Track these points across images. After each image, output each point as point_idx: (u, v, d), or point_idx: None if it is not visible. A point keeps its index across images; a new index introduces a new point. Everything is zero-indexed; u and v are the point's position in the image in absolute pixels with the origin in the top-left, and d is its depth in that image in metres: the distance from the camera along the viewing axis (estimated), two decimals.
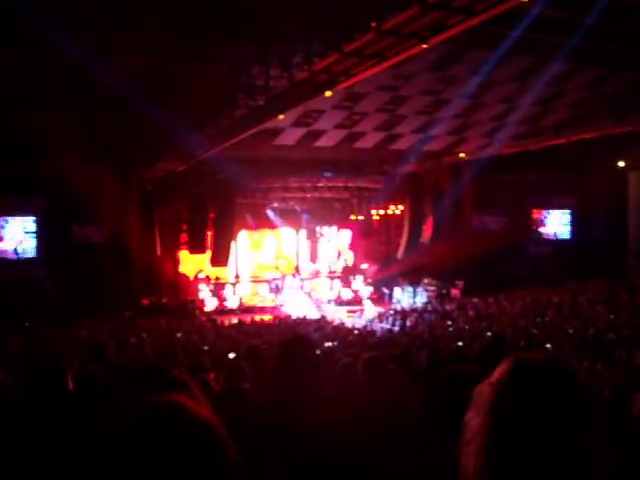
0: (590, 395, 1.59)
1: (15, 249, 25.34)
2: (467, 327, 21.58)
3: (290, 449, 2.68)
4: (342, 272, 35.15)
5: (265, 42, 15.50)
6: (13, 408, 3.05)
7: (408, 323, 24.46)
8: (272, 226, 33.77)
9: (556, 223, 34.23)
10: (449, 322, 23.35)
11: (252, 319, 26.63)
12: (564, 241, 33.93)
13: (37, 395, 3.06)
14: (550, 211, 34.14)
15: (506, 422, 1.52)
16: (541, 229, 34.15)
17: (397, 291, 32.77)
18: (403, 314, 27.20)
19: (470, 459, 1.56)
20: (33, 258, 25.56)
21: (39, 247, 25.62)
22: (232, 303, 30.68)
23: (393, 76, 18.06)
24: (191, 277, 30.18)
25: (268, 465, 2.56)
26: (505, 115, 23.02)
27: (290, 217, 33.98)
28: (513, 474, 1.50)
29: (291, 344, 3.41)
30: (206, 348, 15.98)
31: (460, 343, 15.84)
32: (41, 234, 25.59)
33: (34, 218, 25.52)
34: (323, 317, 27.51)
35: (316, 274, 34.73)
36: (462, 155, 27.99)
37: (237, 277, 32.15)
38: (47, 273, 25.30)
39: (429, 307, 28.59)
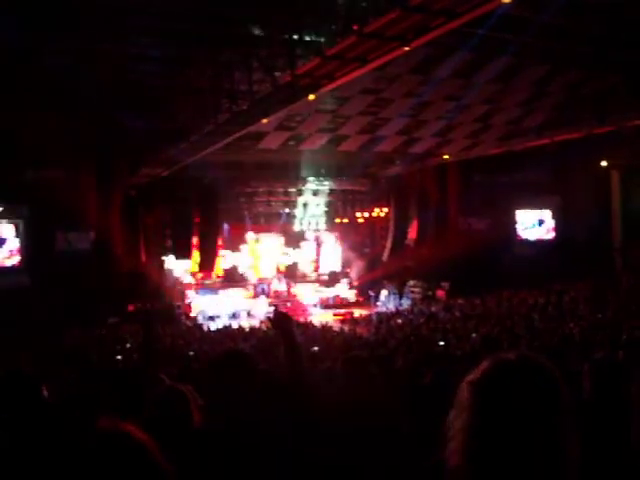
0: (566, 392, 1.60)
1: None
2: (453, 328, 21.63)
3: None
4: (328, 275, 35.10)
5: (248, 47, 15.49)
6: None
7: (394, 325, 24.45)
8: (260, 230, 33.76)
9: (540, 223, 34.34)
10: (434, 324, 23.38)
11: (240, 325, 26.60)
12: (548, 241, 34.05)
13: (7, 405, 3.03)
14: (534, 211, 34.24)
15: (486, 420, 1.54)
16: (525, 229, 34.25)
17: (383, 293, 32.78)
18: (389, 316, 27.22)
19: (453, 457, 1.57)
20: (16, 267, 25.39)
21: (23, 255, 25.46)
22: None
23: (376, 79, 18.10)
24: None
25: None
26: (489, 116, 23.11)
27: (271, 221, 33.93)
28: (494, 470, 1.51)
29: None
30: (191, 353, 15.93)
31: (442, 343, 15.88)
32: (25, 242, 25.43)
33: (17, 225, 25.35)
34: (309, 321, 27.50)
35: (302, 277, 34.73)
36: (446, 157, 28.07)
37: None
38: (31, 281, 25.15)
39: (415, 309, 28.61)
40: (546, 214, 34.18)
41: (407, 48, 12.02)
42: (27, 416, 3.03)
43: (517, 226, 34.09)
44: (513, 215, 33.90)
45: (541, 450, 1.51)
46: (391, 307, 30.68)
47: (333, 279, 34.62)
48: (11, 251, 25.36)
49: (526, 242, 33.99)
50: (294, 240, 34.82)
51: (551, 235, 34.21)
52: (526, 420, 1.52)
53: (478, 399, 1.58)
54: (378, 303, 31.93)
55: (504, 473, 1.51)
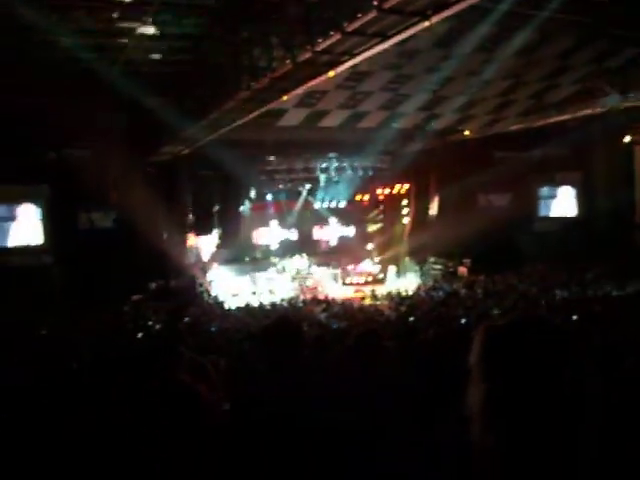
0: (575, 343, 1.59)
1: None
2: (474, 305, 21.60)
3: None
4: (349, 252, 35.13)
5: (267, 24, 15.43)
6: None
7: (415, 301, 24.47)
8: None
9: (562, 199, 34.11)
10: (456, 300, 23.36)
11: (261, 302, 26.75)
12: (570, 218, 33.83)
13: (42, 375, 3.10)
14: (556, 187, 34.02)
15: (500, 386, 1.54)
16: (547, 206, 34.05)
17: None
18: (410, 293, 27.26)
19: (480, 434, 1.57)
20: (40, 246, 25.61)
21: (46, 234, 25.67)
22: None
23: (396, 55, 18.00)
24: None
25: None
26: (510, 92, 22.93)
27: (292, 198, 33.92)
28: (519, 438, 1.50)
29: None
30: (213, 329, 16.08)
31: (463, 320, 15.85)
32: (47, 221, 25.63)
33: (40, 205, 25.55)
34: (332, 297, 27.59)
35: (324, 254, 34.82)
36: (467, 133, 27.90)
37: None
38: (54, 260, 25.38)
39: (436, 285, 28.62)
40: (568, 190, 33.95)
41: (427, 23, 11.91)
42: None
43: (538, 202, 33.91)
44: (534, 191, 33.71)
45: (561, 407, 1.50)
46: (412, 284, 30.69)
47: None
48: (34, 231, 25.56)
49: (547, 219, 33.80)
50: (316, 217, 34.86)
51: (573, 212, 34.00)
52: (540, 377, 1.51)
53: (483, 373, 1.57)
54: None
55: (527, 440, 1.50)
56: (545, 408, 1.50)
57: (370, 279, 32.60)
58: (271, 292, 30.18)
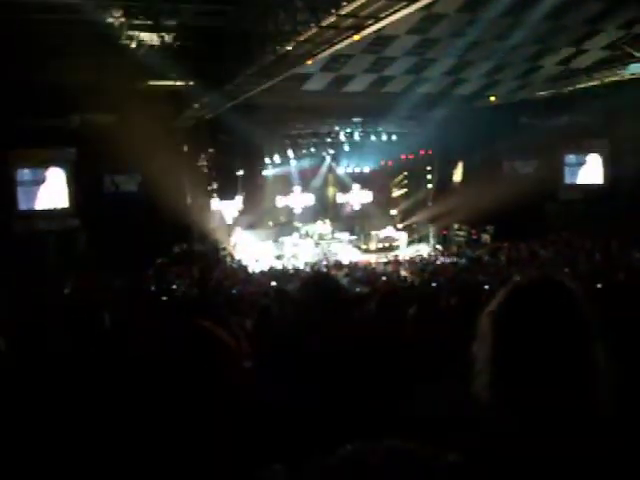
0: (588, 309, 1.61)
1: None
2: (497, 272, 21.59)
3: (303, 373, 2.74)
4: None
5: None
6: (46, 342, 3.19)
7: (438, 268, 24.47)
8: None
9: (588, 167, 33.77)
10: (479, 267, 23.35)
11: (284, 266, 26.87)
12: (596, 186, 33.50)
13: (75, 332, 3.17)
14: (582, 155, 33.66)
15: (509, 347, 1.56)
16: (573, 173, 33.74)
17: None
18: (433, 259, 27.24)
19: (481, 391, 1.59)
20: (66, 209, 25.82)
21: (71, 198, 25.86)
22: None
23: (422, 19, 17.83)
24: None
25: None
26: (538, 57, 22.66)
27: (316, 164, 33.83)
28: (523, 399, 1.52)
29: (312, 281, 3.44)
30: (234, 292, 16.21)
31: (486, 287, 15.83)
32: (73, 185, 25.81)
33: (65, 169, 25.73)
34: (354, 262, 27.65)
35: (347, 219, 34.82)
36: (493, 99, 27.63)
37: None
38: (80, 224, 25.62)
39: (459, 252, 28.58)
40: (595, 158, 33.58)
41: None
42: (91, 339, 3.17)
43: (564, 170, 33.59)
44: (561, 159, 33.38)
45: (567, 369, 1.52)
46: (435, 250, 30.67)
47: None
48: (60, 194, 25.75)
49: (573, 186, 33.49)
50: (339, 183, 34.82)
51: (599, 179, 33.64)
52: (549, 341, 1.53)
53: (495, 328, 1.60)
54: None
55: (533, 401, 1.52)
56: (552, 368, 1.52)
57: (382, 246, 32.56)
58: (294, 257, 30.29)
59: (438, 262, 26.76)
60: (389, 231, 34.04)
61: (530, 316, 1.56)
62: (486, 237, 31.21)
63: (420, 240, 33.31)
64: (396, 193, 36.14)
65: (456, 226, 32.46)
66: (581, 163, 33.73)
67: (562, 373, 1.51)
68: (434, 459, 0.93)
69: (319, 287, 3.26)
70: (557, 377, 1.51)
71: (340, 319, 2.94)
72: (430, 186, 34.10)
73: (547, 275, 1.70)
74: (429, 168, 34.07)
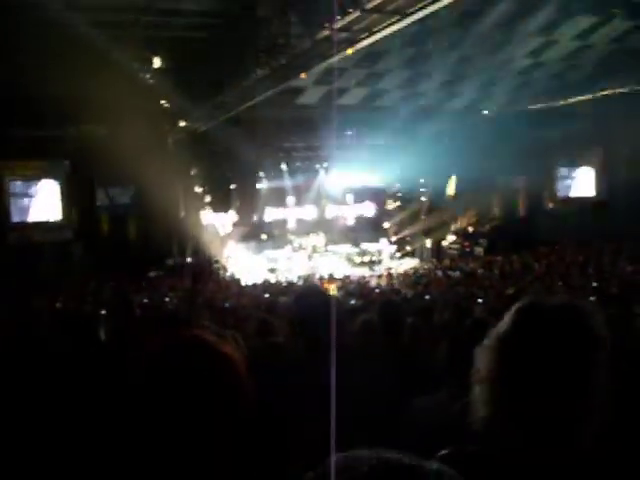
0: (604, 340, 1.57)
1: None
2: (491, 285, 21.58)
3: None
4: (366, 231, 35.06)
5: (285, 1, 15.40)
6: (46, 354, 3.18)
7: (431, 281, 24.46)
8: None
9: (581, 180, 33.87)
10: (473, 280, 23.35)
11: (277, 279, 26.82)
12: (589, 198, 33.59)
13: (72, 343, 3.17)
14: (574, 168, 33.77)
15: (513, 367, 1.53)
16: (566, 186, 33.84)
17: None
18: (427, 272, 27.24)
19: (483, 409, 1.57)
20: (60, 221, 25.79)
21: (65, 210, 25.84)
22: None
23: (416, 32, 17.90)
24: None
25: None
26: (530, 70, 22.79)
27: (309, 176, 33.81)
28: (523, 416, 1.51)
29: (305, 294, 3.47)
30: (227, 305, 16.16)
31: (480, 300, 15.84)
32: (66, 197, 25.79)
33: (59, 181, 25.72)
34: (347, 275, 27.61)
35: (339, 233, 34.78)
36: (486, 112, 27.75)
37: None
38: (74, 236, 25.59)
39: (453, 265, 28.58)
40: (587, 171, 33.68)
41: (447, 1, 11.85)
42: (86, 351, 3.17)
43: (557, 182, 33.69)
44: (554, 172, 33.49)
45: (570, 393, 1.50)
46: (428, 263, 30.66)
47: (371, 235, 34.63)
48: (53, 206, 25.72)
49: (566, 199, 33.59)
50: (333, 196, 34.81)
51: (591, 192, 33.74)
52: (553, 363, 1.50)
53: (502, 346, 1.57)
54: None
55: (533, 420, 1.50)
56: (558, 390, 1.50)
57: (367, 259, 32.50)
58: (287, 270, 30.25)
59: (432, 275, 26.71)
60: (382, 244, 34.03)
61: (543, 338, 1.52)
62: (479, 250, 31.25)
63: (413, 253, 33.31)
64: (390, 206, 36.16)
65: (449, 239, 32.51)
66: (574, 176, 33.84)
67: (568, 393, 1.49)
68: (418, 468, 0.93)
69: (312, 300, 3.29)
70: (563, 398, 1.49)
71: (337, 330, 2.96)
72: (424, 199, 34.14)
73: (566, 299, 1.64)
74: (422, 181, 34.12)
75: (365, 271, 30.29)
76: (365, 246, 33.60)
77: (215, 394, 1.51)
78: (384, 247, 33.88)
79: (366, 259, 32.49)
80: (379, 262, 32.22)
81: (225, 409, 1.51)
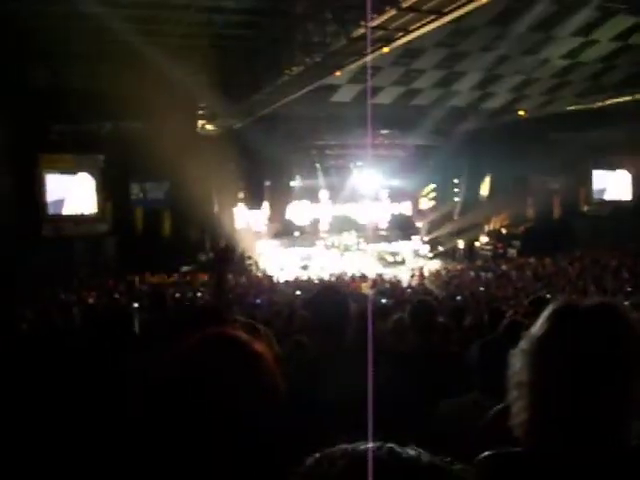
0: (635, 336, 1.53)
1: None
2: (524, 287, 21.42)
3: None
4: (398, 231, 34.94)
5: None
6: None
7: (464, 282, 24.32)
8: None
9: (617, 183, 33.48)
10: (505, 282, 23.19)
11: (309, 276, 26.83)
12: (625, 202, 33.20)
13: (105, 336, 3.20)
14: (611, 171, 33.39)
15: (552, 374, 1.50)
16: (601, 189, 33.46)
17: (451, 250, 32.68)
18: (459, 272, 27.10)
19: (523, 414, 1.55)
20: (94, 215, 26.05)
21: (100, 204, 26.09)
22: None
23: (451, 32, 17.82)
24: None
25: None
26: (567, 72, 22.56)
27: (342, 175, 33.78)
28: (560, 422, 1.49)
29: (321, 294, 3.48)
30: (258, 301, 16.21)
31: (512, 302, 15.73)
32: (102, 191, 26.05)
33: (94, 175, 25.98)
34: (379, 275, 27.55)
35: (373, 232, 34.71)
36: (522, 113, 27.53)
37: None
38: (108, 229, 25.84)
39: (485, 266, 28.41)
40: (623, 174, 33.29)
41: (484, 0, 11.80)
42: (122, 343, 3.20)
43: (593, 186, 33.34)
44: (589, 174, 33.13)
45: (606, 396, 1.47)
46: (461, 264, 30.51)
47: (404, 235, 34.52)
48: (88, 200, 25.98)
49: (602, 202, 33.22)
50: (366, 194, 34.76)
51: (628, 196, 33.34)
52: (591, 367, 1.46)
53: (540, 353, 1.54)
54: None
55: (575, 422, 1.48)
56: (589, 401, 1.46)
57: (399, 258, 32.35)
58: (319, 267, 30.25)
59: (463, 275, 26.55)
60: (414, 243, 33.92)
61: (580, 339, 1.48)
62: (512, 252, 31.03)
63: (446, 253, 33.13)
64: (424, 205, 36.04)
65: (483, 240, 32.32)
66: (609, 179, 33.45)
67: (609, 393, 1.46)
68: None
69: (328, 300, 3.31)
70: (604, 398, 1.46)
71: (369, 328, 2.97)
72: (457, 199, 33.98)
73: (599, 300, 1.60)
74: (456, 181, 33.97)
75: (397, 270, 30.19)
76: (397, 245, 33.50)
77: (247, 392, 1.50)
78: (417, 246, 33.76)
79: (398, 258, 32.39)
80: (411, 261, 32.10)
81: (257, 407, 1.50)
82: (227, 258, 21.88)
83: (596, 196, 33.33)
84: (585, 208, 32.72)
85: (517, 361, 1.59)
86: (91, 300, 16.81)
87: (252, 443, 1.49)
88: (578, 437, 1.47)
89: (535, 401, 1.53)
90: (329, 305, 3.23)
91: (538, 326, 1.59)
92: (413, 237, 34.33)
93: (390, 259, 32.36)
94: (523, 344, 1.60)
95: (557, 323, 1.56)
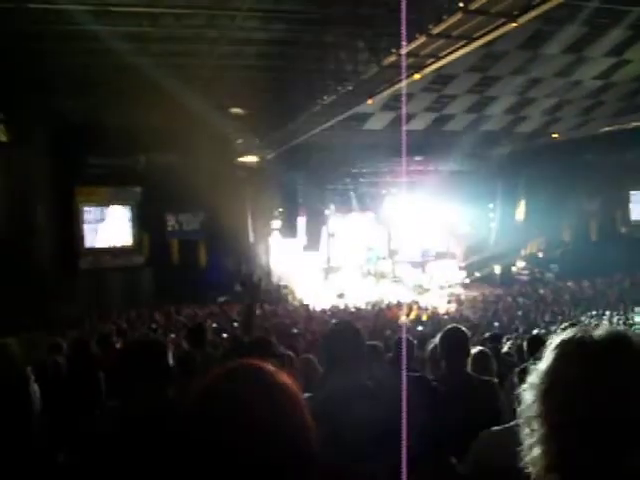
0: None
1: None
2: (562, 312, 21.19)
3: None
4: (435, 257, 34.76)
5: (352, 27, 15.50)
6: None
7: (501, 307, 24.11)
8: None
9: None
10: (543, 307, 22.96)
11: (346, 305, 26.77)
12: None
13: (136, 368, 3.20)
14: None
15: (559, 410, 1.44)
16: (638, 210, 33.08)
17: (487, 275, 32.39)
18: (497, 298, 26.87)
19: (539, 465, 1.47)
20: (130, 246, 26.34)
21: (135, 236, 26.38)
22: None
23: (482, 56, 17.81)
24: None
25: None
26: (600, 92, 22.41)
27: (376, 202, 33.75)
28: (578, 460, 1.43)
29: (336, 332, 3.50)
30: (296, 331, 16.18)
31: (553, 328, 15.54)
32: (137, 223, 26.35)
33: (130, 207, 26.30)
34: (415, 302, 27.41)
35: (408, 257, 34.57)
36: (555, 135, 27.37)
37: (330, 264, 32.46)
38: (144, 261, 26.08)
39: (523, 290, 28.14)
40: None
41: (514, 24, 11.76)
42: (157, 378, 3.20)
43: (630, 207, 32.97)
44: (626, 195, 32.80)
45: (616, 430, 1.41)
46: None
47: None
48: (123, 232, 26.29)
49: (639, 224, 32.83)
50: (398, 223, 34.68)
51: None
52: (599, 400, 1.40)
53: (552, 398, 1.46)
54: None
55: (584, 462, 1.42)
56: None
57: (435, 285, 32.12)
58: (356, 295, 30.17)
59: (501, 301, 26.32)
60: (451, 269, 33.69)
61: (587, 375, 1.43)
62: (550, 275, 30.72)
63: (483, 279, 32.86)
64: (460, 231, 35.81)
65: (520, 264, 32.05)
66: None
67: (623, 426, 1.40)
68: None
69: (341, 336, 3.34)
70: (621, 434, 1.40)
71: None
72: (493, 224, 33.75)
73: (612, 330, 1.50)
74: (492, 206, 33.76)
75: (434, 297, 30.02)
76: (434, 272, 33.32)
77: (274, 427, 1.44)
78: (453, 272, 33.55)
79: (435, 285, 32.21)
80: (448, 288, 31.90)
81: (284, 442, 1.44)
82: (255, 288, 21.92)
83: (634, 217, 32.95)
84: (622, 230, 32.34)
85: (527, 396, 1.53)
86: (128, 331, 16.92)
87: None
88: (592, 473, 1.42)
89: (545, 438, 1.48)
90: (342, 341, 3.27)
91: (545, 359, 1.53)
92: (449, 263, 34.10)
93: (434, 285, 32.16)
94: (532, 378, 1.54)
95: (562, 356, 1.50)
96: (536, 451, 1.48)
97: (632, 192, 32.92)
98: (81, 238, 25.26)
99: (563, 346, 1.51)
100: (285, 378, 1.54)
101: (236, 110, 21.32)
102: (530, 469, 1.50)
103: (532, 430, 1.50)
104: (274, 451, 1.41)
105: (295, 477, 1.45)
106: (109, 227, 26.03)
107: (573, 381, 1.44)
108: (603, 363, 1.43)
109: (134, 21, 15.53)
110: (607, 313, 20.71)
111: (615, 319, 19.81)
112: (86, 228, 25.54)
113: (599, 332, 1.50)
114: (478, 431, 3.16)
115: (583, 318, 19.56)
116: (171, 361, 3.45)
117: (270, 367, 1.55)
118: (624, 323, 18.92)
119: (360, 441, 2.67)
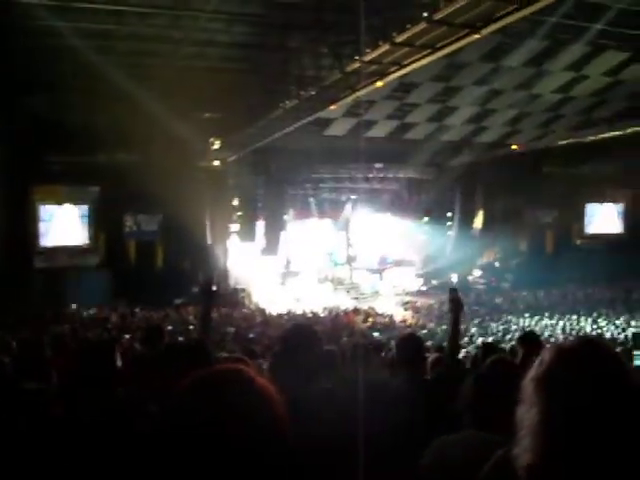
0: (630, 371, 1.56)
1: None
2: (517, 321, 21.42)
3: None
4: (392, 264, 34.90)
5: (316, 33, 15.52)
6: None
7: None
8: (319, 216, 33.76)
9: (609, 216, 33.64)
10: (498, 316, 23.20)
11: (303, 310, 26.75)
12: (617, 236, 33.34)
13: (85, 369, 3.16)
14: (603, 205, 33.57)
15: (556, 414, 1.48)
16: (593, 223, 33.61)
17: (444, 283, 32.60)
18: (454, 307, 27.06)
19: (527, 454, 1.53)
20: (87, 246, 26.02)
21: (92, 235, 26.06)
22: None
23: (445, 66, 17.94)
24: None
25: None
26: (560, 106, 22.71)
27: (336, 208, 33.83)
28: (579, 464, 1.46)
29: (292, 334, 3.48)
30: (252, 336, 16.13)
31: (508, 337, 15.74)
32: (94, 222, 26.03)
33: (88, 207, 25.97)
34: (371, 308, 27.48)
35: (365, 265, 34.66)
36: (515, 147, 27.68)
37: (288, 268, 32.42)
38: (100, 261, 25.78)
39: (479, 300, 28.40)
40: (616, 208, 33.46)
41: (477, 36, 11.88)
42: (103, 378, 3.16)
43: (585, 219, 33.49)
44: (582, 208, 33.30)
45: (623, 434, 1.45)
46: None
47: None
48: (78, 231, 25.95)
49: (594, 236, 33.36)
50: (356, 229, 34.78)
51: (620, 230, 33.49)
52: (598, 406, 1.46)
53: (543, 394, 1.54)
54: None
55: (591, 466, 1.45)
56: (605, 440, 1.44)
57: (392, 292, 32.27)
58: (313, 300, 30.16)
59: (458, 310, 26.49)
60: (408, 277, 33.86)
61: (575, 384, 1.49)
62: (506, 285, 31.04)
63: (439, 287, 33.07)
64: (417, 239, 35.98)
65: (476, 273, 32.32)
66: (602, 212, 33.62)
67: (614, 437, 1.44)
68: None
69: (297, 337, 3.32)
70: (608, 442, 1.44)
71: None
72: (450, 233, 33.99)
73: (589, 338, 1.68)
74: (450, 215, 34.00)
75: (390, 304, 30.13)
76: (391, 279, 33.46)
77: (255, 429, 1.51)
78: (411, 280, 33.71)
79: (392, 292, 32.33)
80: (405, 295, 32.05)
81: (263, 432, 1.52)
82: (211, 291, 21.83)
83: (589, 229, 33.48)
84: (578, 242, 32.82)
85: (520, 404, 1.59)
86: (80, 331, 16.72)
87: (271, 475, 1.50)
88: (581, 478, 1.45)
89: (536, 443, 1.51)
90: (298, 343, 3.25)
91: (537, 369, 1.60)
92: (407, 270, 34.27)
93: (391, 292, 32.26)
94: (530, 375, 1.61)
95: (552, 358, 1.58)
96: (526, 457, 1.52)
97: (588, 205, 33.43)
98: (36, 237, 24.88)
99: (552, 351, 1.61)
100: (262, 380, 1.61)
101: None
102: (519, 459, 1.55)
103: (522, 436, 1.55)
104: (254, 440, 1.49)
105: (273, 462, 1.53)
106: (68, 226, 25.67)
107: (562, 377, 1.53)
108: (579, 369, 1.54)
109: (97, 18, 15.38)
110: (560, 323, 21.07)
111: (568, 329, 20.16)
112: (42, 227, 25.16)
113: (573, 341, 1.66)
114: (435, 435, 3.18)
115: (537, 327, 19.86)
116: (120, 362, 3.41)
117: (250, 370, 1.63)
118: (577, 333, 19.24)
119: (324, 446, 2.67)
